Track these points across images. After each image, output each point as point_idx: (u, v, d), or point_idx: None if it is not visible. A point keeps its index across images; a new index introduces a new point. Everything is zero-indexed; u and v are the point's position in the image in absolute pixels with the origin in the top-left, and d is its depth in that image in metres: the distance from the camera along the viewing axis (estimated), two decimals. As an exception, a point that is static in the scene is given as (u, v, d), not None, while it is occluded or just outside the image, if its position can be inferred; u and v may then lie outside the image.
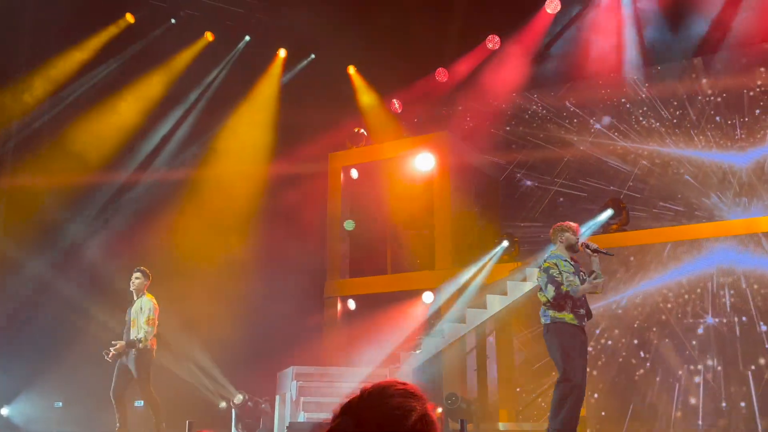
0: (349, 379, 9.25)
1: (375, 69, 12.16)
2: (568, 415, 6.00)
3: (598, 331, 8.72)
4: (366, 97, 12.38)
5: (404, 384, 1.37)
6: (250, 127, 11.68)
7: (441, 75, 12.41)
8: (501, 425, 10.45)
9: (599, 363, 8.65)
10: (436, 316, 10.66)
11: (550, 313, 6.24)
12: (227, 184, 11.17)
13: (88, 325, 9.38)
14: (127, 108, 10.79)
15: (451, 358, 10.35)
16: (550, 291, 6.17)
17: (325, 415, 8.71)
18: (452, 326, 9.58)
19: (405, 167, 11.61)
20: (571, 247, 6.45)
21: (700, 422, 7.88)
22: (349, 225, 9.54)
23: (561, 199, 11.92)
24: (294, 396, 8.76)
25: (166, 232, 10.44)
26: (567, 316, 6.23)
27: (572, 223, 6.59)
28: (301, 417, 8.43)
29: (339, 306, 11.42)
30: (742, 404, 7.78)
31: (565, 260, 6.35)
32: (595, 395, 8.53)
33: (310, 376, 9.08)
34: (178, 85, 11.27)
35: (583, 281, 6.22)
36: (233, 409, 9.20)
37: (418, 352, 9.50)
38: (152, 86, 11.04)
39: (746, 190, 10.67)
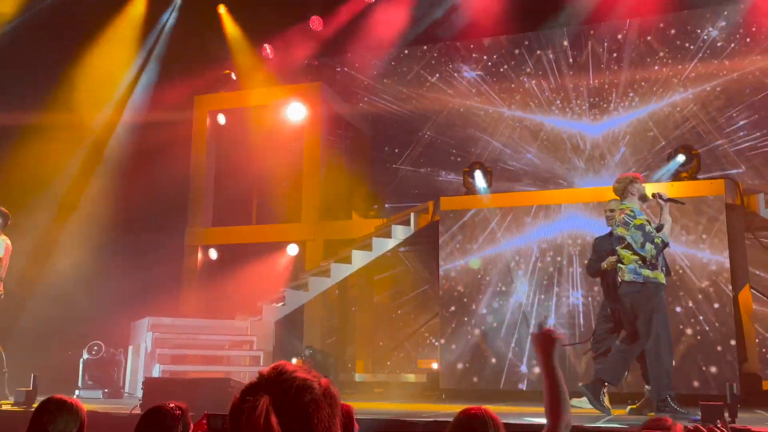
0: (208, 331, 9.07)
1: (247, 11, 11.65)
2: (620, 369, 5.93)
3: (460, 288, 9.04)
4: (237, 39, 11.85)
5: (295, 365, 1.46)
6: (109, 62, 10.82)
7: (315, 23, 12.12)
8: (357, 376, 10.70)
9: (457, 313, 8.99)
10: (301, 268, 10.63)
11: (644, 272, 5.83)
12: (82, 125, 10.36)
13: None
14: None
15: (313, 311, 10.40)
16: (650, 249, 5.76)
17: (182, 368, 8.53)
18: (316, 280, 9.58)
19: (275, 116, 11.31)
20: (643, 198, 6.06)
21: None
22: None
23: (442, 156, 12.12)
24: (149, 347, 8.46)
25: (13, 177, 9.54)
26: (660, 276, 5.90)
27: (636, 173, 6.24)
28: (156, 369, 8.16)
29: (200, 255, 11.06)
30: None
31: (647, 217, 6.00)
32: (453, 346, 8.88)
33: (166, 327, 8.79)
34: (25, 11, 10.17)
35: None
36: (81, 361, 8.73)
37: (281, 304, 9.44)
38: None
39: (597, 160, 11.37)
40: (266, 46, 12.04)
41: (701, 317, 8.02)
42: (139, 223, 10.22)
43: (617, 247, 6.00)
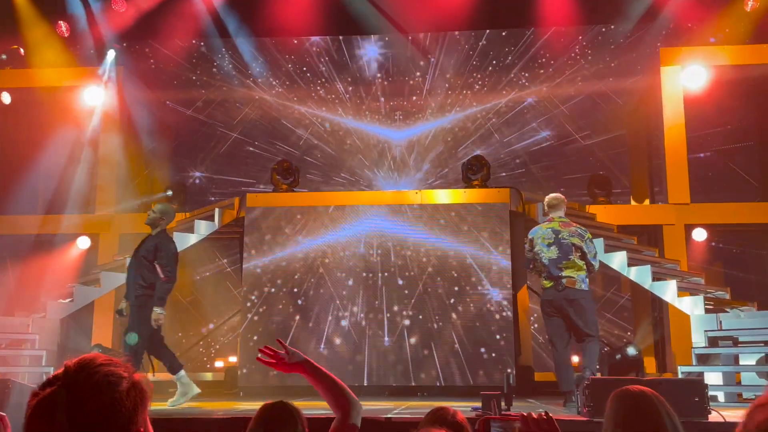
0: (-18, 329, 8.24)
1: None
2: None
3: (264, 285, 9.01)
4: (28, 12, 10.85)
5: (109, 357, 1.42)
6: None
7: (119, 4, 11.45)
8: (151, 376, 10.25)
9: (261, 309, 8.97)
10: (93, 263, 9.99)
11: (588, 281, 6.54)
12: None
13: None
14: None
15: (105, 308, 9.82)
16: (598, 262, 6.64)
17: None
18: (109, 275, 9.07)
19: (70, 99, 10.53)
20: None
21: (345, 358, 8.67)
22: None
23: (246, 153, 12.04)
24: None
25: None
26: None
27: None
28: None
29: (-26, 246, 10.01)
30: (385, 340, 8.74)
31: None
32: (255, 337, 8.84)
33: (-70, 325, 7.86)
34: None
35: None
36: None
37: (68, 300, 8.81)
38: None
39: (399, 165, 11.92)
40: (61, 23, 11.16)
41: (486, 315, 8.68)
42: None
43: (572, 257, 6.45)
